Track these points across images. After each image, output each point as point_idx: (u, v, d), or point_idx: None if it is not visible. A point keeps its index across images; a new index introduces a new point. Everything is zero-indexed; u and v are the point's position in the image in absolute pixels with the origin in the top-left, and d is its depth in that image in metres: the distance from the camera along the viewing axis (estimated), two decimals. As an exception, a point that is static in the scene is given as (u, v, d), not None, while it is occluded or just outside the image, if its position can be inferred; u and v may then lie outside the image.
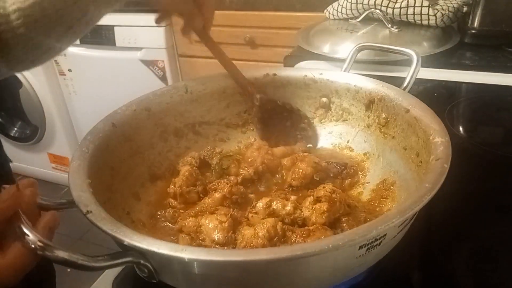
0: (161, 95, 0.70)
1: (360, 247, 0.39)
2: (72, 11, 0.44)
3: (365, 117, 0.68)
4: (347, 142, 0.71)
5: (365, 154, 0.68)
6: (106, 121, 0.61)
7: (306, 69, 0.73)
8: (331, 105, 0.73)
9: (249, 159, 0.69)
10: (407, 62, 0.69)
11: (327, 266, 0.39)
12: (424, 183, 0.42)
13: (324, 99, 0.73)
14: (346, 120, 0.72)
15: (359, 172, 0.66)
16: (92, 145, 0.55)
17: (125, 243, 0.38)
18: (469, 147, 0.77)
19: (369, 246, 0.39)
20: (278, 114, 0.74)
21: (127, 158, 0.63)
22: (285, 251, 0.35)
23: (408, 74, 0.67)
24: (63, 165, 2.35)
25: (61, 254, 0.35)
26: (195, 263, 0.37)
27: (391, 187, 0.59)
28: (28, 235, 0.35)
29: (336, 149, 0.72)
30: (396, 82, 0.66)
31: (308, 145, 0.74)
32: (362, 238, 0.36)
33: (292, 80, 0.74)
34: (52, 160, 2.38)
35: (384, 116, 0.64)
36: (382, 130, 0.65)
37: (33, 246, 0.35)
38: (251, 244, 0.49)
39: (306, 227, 0.51)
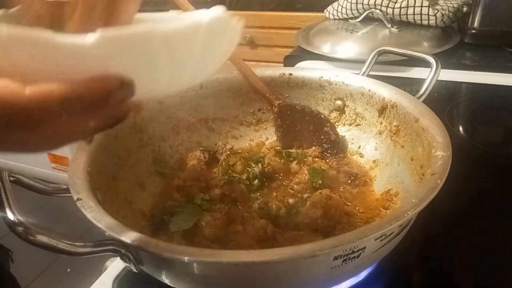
0: (175, 89, 0.71)
1: (335, 258, 0.38)
2: None
3: (378, 123, 0.66)
4: (358, 148, 0.69)
5: (374, 161, 0.66)
6: (117, 112, 0.63)
7: (322, 70, 0.72)
8: (345, 109, 0.71)
9: (259, 158, 0.70)
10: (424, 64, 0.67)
11: (299, 273, 0.39)
12: (412, 197, 0.41)
13: (339, 102, 0.72)
14: (359, 125, 0.70)
15: (368, 182, 0.64)
16: (99, 135, 0.57)
17: (106, 233, 0.40)
18: (469, 147, 0.76)
19: (345, 257, 0.39)
20: (299, 119, 0.73)
21: (136, 149, 0.65)
22: (250, 256, 0.35)
23: (426, 81, 0.64)
24: (63, 165, 2.34)
25: (42, 238, 0.37)
26: (168, 258, 0.38)
27: (394, 198, 0.57)
28: (9, 219, 0.36)
29: (346, 154, 0.70)
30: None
31: (333, 151, 0.71)
32: (332, 249, 0.36)
33: (307, 81, 0.73)
34: (52, 160, 2.38)
35: (395, 123, 0.62)
36: (393, 138, 0.63)
37: (15, 231, 0.36)
38: (239, 244, 0.49)
39: (295, 232, 0.51)
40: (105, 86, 0.27)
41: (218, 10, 0.31)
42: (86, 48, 0.25)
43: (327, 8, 1.28)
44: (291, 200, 0.58)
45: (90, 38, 0.25)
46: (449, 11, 1.11)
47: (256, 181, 0.63)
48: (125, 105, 0.29)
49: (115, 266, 0.56)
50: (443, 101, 0.89)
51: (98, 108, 0.28)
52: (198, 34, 0.30)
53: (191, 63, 0.31)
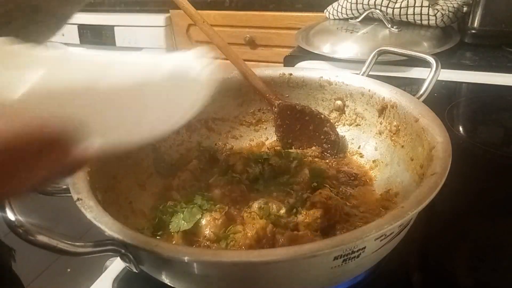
0: (175, 89, 0.71)
1: (335, 258, 0.38)
2: None
3: (378, 123, 0.66)
4: (358, 148, 0.69)
5: (374, 161, 0.66)
6: (117, 112, 0.63)
7: (322, 70, 0.72)
8: (345, 109, 0.71)
9: (259, 158, 0.70)
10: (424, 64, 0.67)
11: (299, 273, 0.39)
12: (412, 197, 0.41)
13: (339, 102, 0.72)
14: (359, 125, 0.70)
15: (368, 182, 0.64)
16: (99, 135, 0.57)
17: (106, 233, 0.40)
18: (469, 147, 0.76)
19: (345, 257, 0.39)
20: (299, 119, 0.73)
21: (136, 149, 0.65)
22: (250, 256, 0.35)
23: (426, 81, 0.64)
24: (63, 165, 2.37)
25: (42, 238, 0.37)
26: (168, 258, 0.38)
27: (394, 198, 0.57)
28: (9, 219, 0.36)
29: (346, 154, 0.70)
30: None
31: (333, 151, 0.71)
32: (331, 249, 0.36)
33: (307, 81, 0.73)
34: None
35: (395, 123, 0.62)
36: (393, 138, 0.63)
37: (15, 231, 0.36)
38: (239, 244, 0.49)
39: (295, 232, 0.51)
40: (47, 134, 0.24)
41: (186, 57, 0.28)
42: (15, 102, 0.22)
43: (327, 8, 1.28)
44: (291, 200, 0.57)
45: (18, 91, 0.22)
46: (449, 11, 1.11)
47: (257, 183, 0.63)
48: (80, 152, 0.27)
49: (115, 266, 0.56)
50: (443, 101, 0.89)
51: (41, 159, 0.25)
52: (150, 88, 0.28)
53: (149, 112, 0.29)
